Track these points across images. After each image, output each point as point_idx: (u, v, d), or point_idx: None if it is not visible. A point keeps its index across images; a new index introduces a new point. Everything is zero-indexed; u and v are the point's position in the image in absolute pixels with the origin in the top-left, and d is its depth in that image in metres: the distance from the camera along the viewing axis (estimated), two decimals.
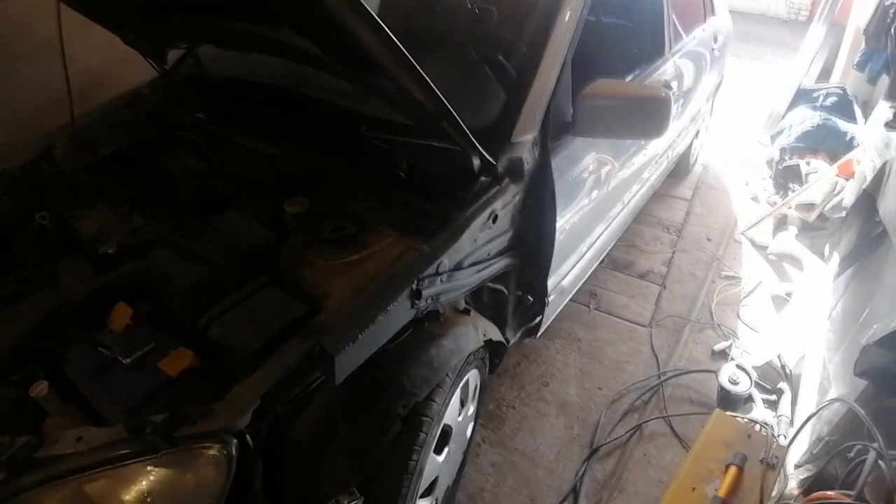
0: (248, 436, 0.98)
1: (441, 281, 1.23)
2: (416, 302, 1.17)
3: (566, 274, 1.88)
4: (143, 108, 1.91)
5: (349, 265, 1.23)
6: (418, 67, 1.03)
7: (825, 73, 4.43)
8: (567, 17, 1.58)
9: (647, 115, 1.51)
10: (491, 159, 1.33)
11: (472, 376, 1.57)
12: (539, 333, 1.84)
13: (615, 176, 2.03)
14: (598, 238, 2.11)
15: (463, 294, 1.36)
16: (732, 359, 2.24)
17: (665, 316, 2.53)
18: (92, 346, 1.20)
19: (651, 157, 2.43)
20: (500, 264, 1.48)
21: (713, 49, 3.00)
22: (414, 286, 1.15)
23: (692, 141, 3.35)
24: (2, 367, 1.16)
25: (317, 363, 1.06)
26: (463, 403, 1.59)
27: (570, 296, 2.05)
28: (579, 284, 2.08)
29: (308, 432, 1.13)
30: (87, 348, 1.20)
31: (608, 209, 2.15)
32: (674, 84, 2.35)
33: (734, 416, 1.79)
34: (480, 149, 1.28)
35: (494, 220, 1.37)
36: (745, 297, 2.65)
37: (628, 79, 2.08)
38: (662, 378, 2.18)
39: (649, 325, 2.48)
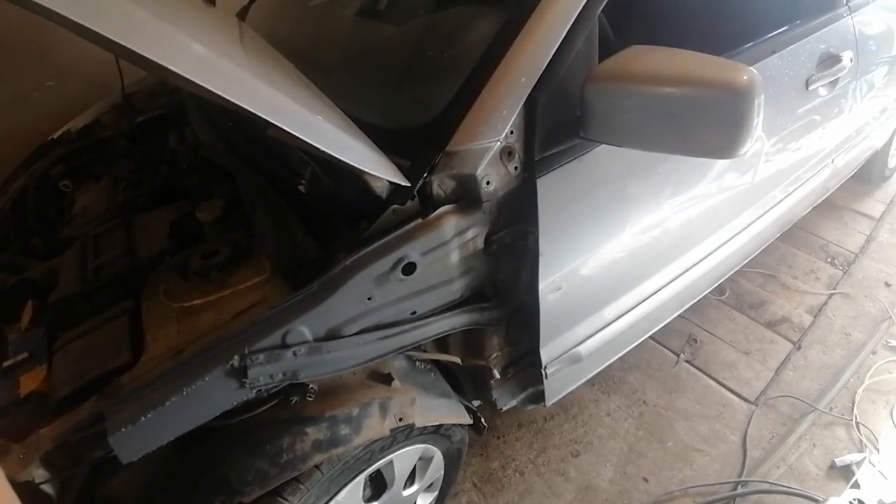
0: (45, 485, 0.87)
1: (295, 354, 0.88)
2: (245, 381, 0.85)
3: (588, 337, 1.28)
4: None
5: (186, 312, 0.98)
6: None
7: None
8: None
9: (710, 117, 0.89)
10: (403, 180, 0.91)
11: (407, 457, 1.18)
12: (547, 402, 1.35)
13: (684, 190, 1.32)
14: (667, 283, 1.41)
15: (356, 367, 0.97)
16: (857, 483, 1.48)
17: (783, 393, 1.77)
18: None
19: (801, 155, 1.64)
20: (441, 325, 1.04)
21: None
22: (236, 363, 0.84)
23: (893, 138, 2.34)
24: None
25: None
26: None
27: (608, 362, 1.45)
28: (628, 348, 1.47)
29: (125, 493, 0.96)
30: None
31: (683, 244, 1.39)
32: (846, 56, 1.54)
33: None
34: (373, 165, 0.87)
35: (408, 270, 0.93)
36: None
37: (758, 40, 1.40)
38: (740, 489, 1.51)
39: (755, 401, 1.76)
